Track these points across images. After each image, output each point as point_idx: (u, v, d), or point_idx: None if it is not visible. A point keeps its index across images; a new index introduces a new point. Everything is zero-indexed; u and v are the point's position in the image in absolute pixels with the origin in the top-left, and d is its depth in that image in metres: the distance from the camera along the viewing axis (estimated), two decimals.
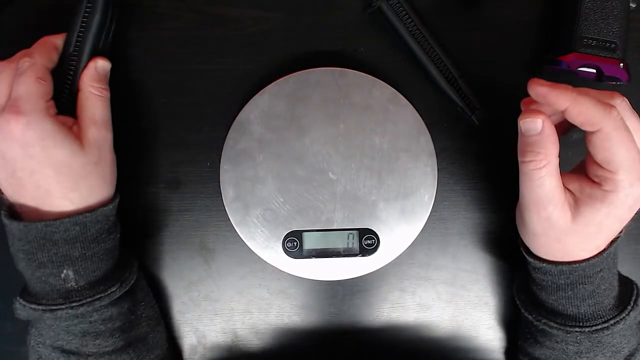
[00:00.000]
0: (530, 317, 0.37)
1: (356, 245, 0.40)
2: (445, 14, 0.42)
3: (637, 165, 0.30)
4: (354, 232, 0.40)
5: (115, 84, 0.42)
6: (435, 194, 0.40)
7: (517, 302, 0.39)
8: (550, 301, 0.36)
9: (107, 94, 0.37)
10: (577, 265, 0.33)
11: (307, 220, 0.39)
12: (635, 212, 0.32)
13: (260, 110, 0.39)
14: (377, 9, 0.40)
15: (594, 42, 0.39)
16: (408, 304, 0.43)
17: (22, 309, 0.34)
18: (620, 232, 0.34)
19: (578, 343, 0.35)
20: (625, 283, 0.36)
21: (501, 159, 0.42)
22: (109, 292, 0.34)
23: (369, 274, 0.40)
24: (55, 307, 0.33)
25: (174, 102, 0.42)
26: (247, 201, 0.39)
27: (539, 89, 0.31)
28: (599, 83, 0.40)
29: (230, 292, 0.43)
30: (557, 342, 0.36)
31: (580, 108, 0.30)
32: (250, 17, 0.42)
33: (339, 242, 0.40)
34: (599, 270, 0.33)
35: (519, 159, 0.32)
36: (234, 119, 0.39)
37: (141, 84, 0.42)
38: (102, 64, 0.37)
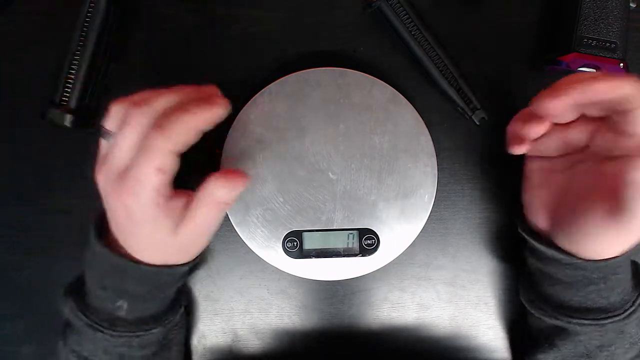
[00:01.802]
0: (556, 321, 0.36)
1: (356, 245, 0.40)
2: (445, 14, 0.42)
3: None
4: (354, 232, 0.40)
5: (116, 84, 0.42)
6: (435, 194, 0.40)
7: (534, 312, 0.38)
8: (577, 298, 0.35)
9: (226, 207, 0.32)
10: (617, 258, 0.33)
11: (307, 220, 0.39)
12: None
13: (260, 110, 0.39)
14: (377, 9, 0.40)
15: (594, 42, 0.39)
16: (408, 304, 0.43)
17: (71, 311, 0.35)
18: None
19: (602, 336, 0.35)
20: (633, 262, 0.36)
21: (501, 159, 0.42)
22: (151, 331, 0.35)
23: (369, 274, 0.40)
24: (98, 327, 0.34)
25: None
26: (247, 201, 0.39)
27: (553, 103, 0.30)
28: None
29: (230, 292, 0.43)
30: (580, 340, 0.35)
31: (597, 87, 0.29)
32: (250, 17, 0.42)
33: (339, 242, 0.40)
34: (628, 256, 0.33)
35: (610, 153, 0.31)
36: (234, 119, 0.39)
37: (141, 84, 0.42)
38: (222, 191, 0.31)
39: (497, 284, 0.43)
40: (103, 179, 0.31)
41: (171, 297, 0.37)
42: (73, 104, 0.39)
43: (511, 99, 0.42)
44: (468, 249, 0.43)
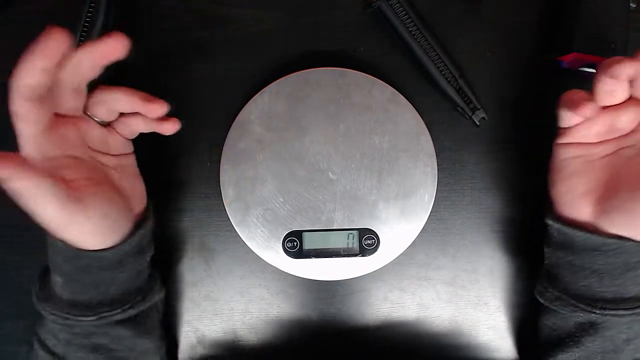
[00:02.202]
0: (589, 316, 0.35)
1: (356, 245, 0.40)
2: (445, 14, 0.42)
3: None
4: (354, 232, 0.40)
5: (115, 84, 0.42)
6: (435, 194, 0.40)
7: (559, 310, 0.37)
8: (613, 288, 0.34)
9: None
10: None
11: (307, 220, 0.39)
12: None
13: (260, 110, 0.39)
14: (377, 9, 0.40)
15: (594, 42, 0.39)
16: (408, 304, 0.43)
17: (34, 282, 0.36)
18: None
19: (629, 328, 0.34)
20: None
21: (501, 159, 0.42)
22: (79, 319, 0.33)
23: (369, 274, 0.40)
24: (39, 300, 0.34)
25: (174, 102, 0.42)
26: (247, 201, 0.39)
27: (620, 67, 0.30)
28: None
29: (230, 292, 0.43)
30: (609, 335, 0.35)
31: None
32: (250, 17, 0.42)
33: (338, 242, 0.40)
34: None
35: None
36: (234, 119, 0.39)
37: (141, 84, 0.42)
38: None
39: (497, 284, 0.43)
40: None
41: (110, 292, 0.34)
42: None
43: (511, 99, 0.42)
44: (468, 249, 0.43)
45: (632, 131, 0.34)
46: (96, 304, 0.34)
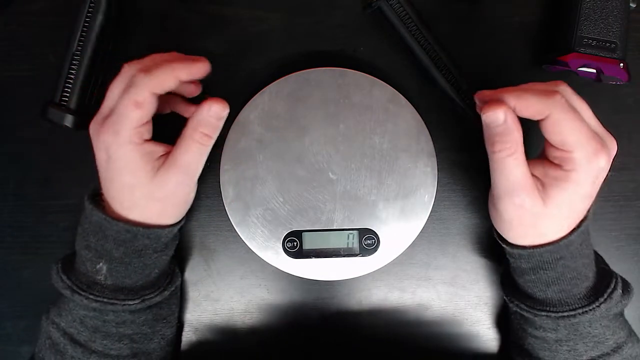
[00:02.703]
0: (507, 300, 0.39)
1: (356, 245, 0.40)
2: (445, 14, 0.42)
3: (590, 142, 0.31)
4: (354, 232, 0.40)
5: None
6: (435, 194, 0.40)
7: (502, 290, 0.40)
8: (521, 283, 0.37)
9: (208, 143, 0.34)
10: (533, 250, 0.34)
11: (307, 220, 0.39)
12: (599, 186, 0.33)
13: (260, 110, 0.39)
14: (377, 9, 0.40)
15: (594, 42, 0.39)
16: (408, 304, 0.43)
17: (56, 275, 0.36)
18: (587, 212, 0.35)
19: (556, 330, 0.36)
20: (605, 275, 0.36)
21: None
22: (126, 303, 0.35)
23: (369, 274, 0.40)
24: (77, 290, 0.35)
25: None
26: (247, 201, 0.39)
27: (485, 95, 0.33)
28: (599, 83, 0.40)
29: (230, 292, 0.43)
30: (536, 328, 0.37)
31: (526, 103, 0.31)
32: (250, 17, 0.42)
33: (339, 242, 0.40)
34: (558, 257, 0.34)
35: (488, 149, 0.33)
36: (234, 119, 0.39)
37: None
38: (216, 110, 0.33)
39: (497, 284, 0.43)
40: (92, 126, 0.34)
41: (154, 271, 0.37)
42: (73, 104, 0.39)
43: None
44: (468, 249, 0.43)
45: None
46: (139, 287, 0.36)
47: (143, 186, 0.34)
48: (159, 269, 0.37)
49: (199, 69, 0.34)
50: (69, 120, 0.39)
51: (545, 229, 0.34)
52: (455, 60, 0.40)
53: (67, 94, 0.39)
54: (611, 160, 0.33)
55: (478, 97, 0.34)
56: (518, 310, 0.38)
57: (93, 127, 0.34)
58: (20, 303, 0.43)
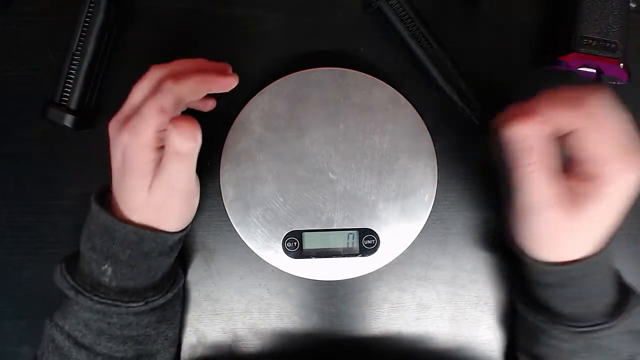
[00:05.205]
0: (521, 309, 0.38)
1: (356, 245, 0.40)
2: (445, 14, 0.42)
3: (620, 156, 0.30)
4: (354, 232, 0.40)
5: (116, 84, 0.42)
6: (435, 194, 0.40)
7: (514, 297, 0.40)
8: (540, 295, 0.36)
9: (187, 160, 0.33)
10: (560, 267, 0.33)
11: (307, 220, 0.39)
12: (629, 200, 0.32)
13: (260, 110, 0.39)
14: (377, 9, 0.40)
15: (594, 42, 0.39)
16: (408, 304, 0.43)
17: (60, 275, 0.36)
18: None
19: (571, 342, 0.35)
20: (623, 290, 0.36)
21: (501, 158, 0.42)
22: (130, 305, 0.35)
23: (369, 274, 0.40)
24: (81, 290, 0.34)
25: None
26: (247, 201, 0.39)
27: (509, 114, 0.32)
28: (599, 83, 0.40)
29: (230, 292, 0.43)
30: (552, 338, 0.36)
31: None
32: (250, 17, 0.42)
33: (339, 242, 0.40)
34: (587, 274, 0.33)
35: (515, 164, 0.32)
36: (234, 119, 0.39)
37: None
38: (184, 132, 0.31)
39: (497, 284, 0.43)
40: (111, 124, 0.34)
41: (158, 274, 0.37)
42: (73, 104, 0.39)
43: (511, 100, 0.42)
44: (468, 249, 0.43)
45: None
46: (143, 290, 0.36)
47: (144, 192, 0.34)
48: (163, 271, 0.37)
49: (229, 83, 0.34)
50: (69, 120, 0.39)
51: (573, 246, 0.33)
52: (455, 61, 0.40)
53: (67, 94, 0.39)
54: None
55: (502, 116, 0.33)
56: (533, 320, 0.37)
57: (113, 125, 0.34)
58: (20, 303, 0.43)
